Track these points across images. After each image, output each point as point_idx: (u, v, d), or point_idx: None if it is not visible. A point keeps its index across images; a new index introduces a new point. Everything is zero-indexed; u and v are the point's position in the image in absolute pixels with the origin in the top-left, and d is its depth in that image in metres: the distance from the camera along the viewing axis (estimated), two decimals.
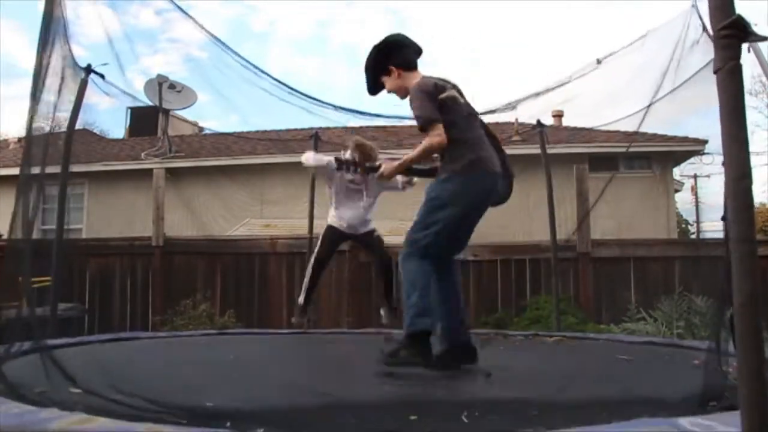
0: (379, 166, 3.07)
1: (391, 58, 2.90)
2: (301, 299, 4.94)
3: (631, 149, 9.40)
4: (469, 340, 2.83)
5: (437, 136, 2.67)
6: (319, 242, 4.79)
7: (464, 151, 2.71)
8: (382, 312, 4.97)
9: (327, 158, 4.35)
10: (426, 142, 2.70)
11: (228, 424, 2.00)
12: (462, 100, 2.81)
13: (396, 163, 2.92)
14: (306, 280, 4.82)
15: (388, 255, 4.63)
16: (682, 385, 2.42)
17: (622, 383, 2.85)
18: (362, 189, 4.46)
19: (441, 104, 2.70)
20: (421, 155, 2.77)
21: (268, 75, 4.79)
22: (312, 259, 4.84)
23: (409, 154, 2.84)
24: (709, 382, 2.20)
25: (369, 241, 4.73)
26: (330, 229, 4.66)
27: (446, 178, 2.72)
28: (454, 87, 2.85)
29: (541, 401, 2.33)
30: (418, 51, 2.99)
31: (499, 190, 2.88)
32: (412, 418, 2.18)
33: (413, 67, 2.92)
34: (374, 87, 3.00)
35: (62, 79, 3.95)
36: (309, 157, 4.60)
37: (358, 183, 4.43)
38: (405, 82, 2.88)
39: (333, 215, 4.66)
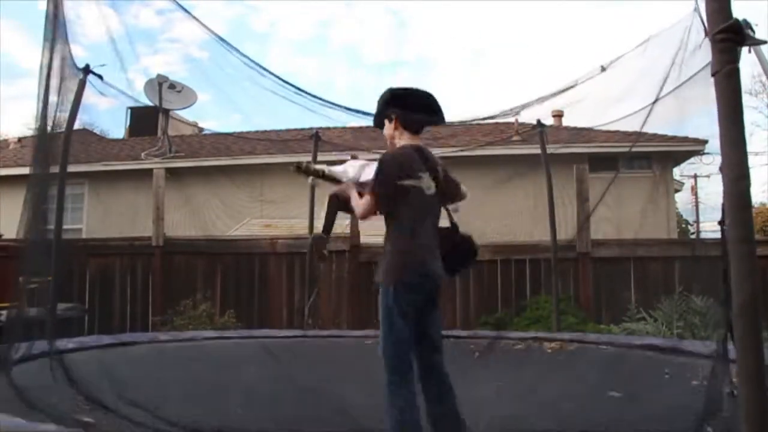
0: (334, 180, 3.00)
1: (396, 107, 2.75)
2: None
3: (632, 149, 9.39)
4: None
5: (370, 204, 2.60)
6: None
7: (409, 255, 2.56)
8: None
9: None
10: (363, 201, 2.64)
11: None
12: (424, 191, 2.60)
13: (349, 193, 2.79)
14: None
15: None
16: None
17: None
18: None
19: (401, 186, 2.55)
20: (356, 206, 2.71)
21: (271, 73, 4.80)
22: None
23: (354, 199, 2.73)
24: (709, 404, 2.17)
25: None
26: None
27: (387, 288, 2.54)
28: (434, 168, 2.68)
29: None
30: (431, 118, 2.81)
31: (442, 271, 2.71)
32: None
33: (414, 130, 2.73)
34: (377, 120, 2.86)
35: (62, 79, 3.96)
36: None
37: None
38: (396, 138, 2.74)
39: None
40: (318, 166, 3.17)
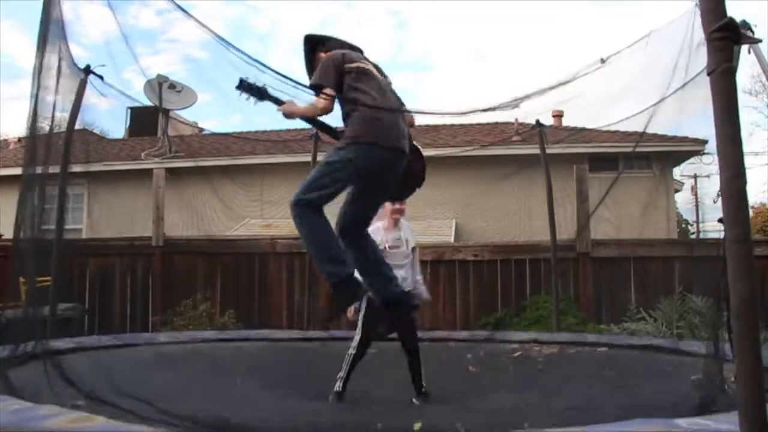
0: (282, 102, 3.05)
1: (321, 48, 3.04)
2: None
3: (635, 149, 9.39)
4: (403, 293, 2.88)
5: (323, 100, 2.74)
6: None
7: (363, 122, 2.72)
8: (414, 401, 3.76)
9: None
10: (313, 102, 2.78)
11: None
12: (374, 74, 2.84)
13: (295, 107, 2.89)
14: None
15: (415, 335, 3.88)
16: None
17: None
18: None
19: (348, 72, 2.75)
20: (306, 112, 2.84)
21: (272, 69, 4.78)
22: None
23: (301, 106, 2.85)
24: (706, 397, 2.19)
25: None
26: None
27: (342, 145, 2.74)
28: (370, 63, 2.91)
29: None
30: (349, 45, 3.09)
31: (408, 169, 2.91)
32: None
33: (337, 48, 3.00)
34: (309, 68, 3.10)
35: (62, 79, 3.96)
36: None
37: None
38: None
39: None
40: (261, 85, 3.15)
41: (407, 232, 4.05)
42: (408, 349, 3.74)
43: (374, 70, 2.86)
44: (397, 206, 3.88)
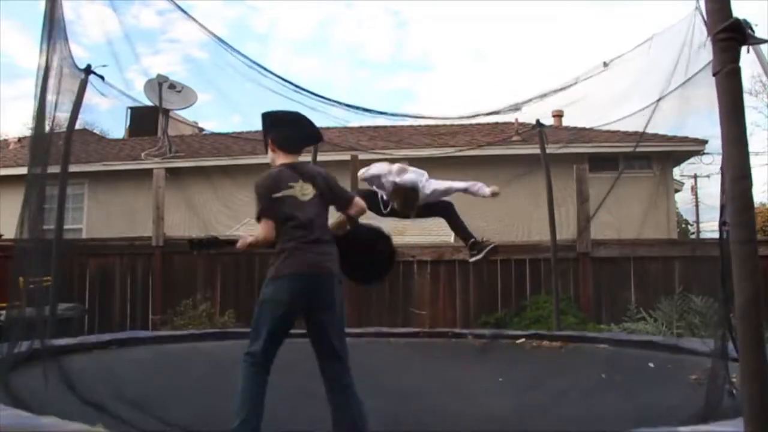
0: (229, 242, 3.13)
1: (270, 131, 3.01)
2: None
3: (636, 149, 9.39)
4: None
5: (262, 230, 2.85)
6: None
7: (284, 256, 2.80)
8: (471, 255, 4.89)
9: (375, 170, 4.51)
10: (259, 230, 2.88)
11: None
12: (298, 198, 2.85)
13: (247, 240, 2.96)
14: None
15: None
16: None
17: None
18: None
19: (274, 201, 2.83)
20: (254, 243, 2.92)
21: (271, 72, 4.80)
22: None
23: (250, 239, 2.95)
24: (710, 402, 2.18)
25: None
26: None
27: (267, 281, 2.82)
28: (306, 178, 2.90)
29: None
30: (303, 136, 3.10)
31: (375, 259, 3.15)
32: None
33: (288, 150, 2.98)
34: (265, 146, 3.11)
35: (62, 79, 3.95)
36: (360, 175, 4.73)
37: None
38: (273, 160, 2.99)
39: None
40: (209, 236, 3.26)
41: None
42: None
43: (299, 192, 2.87)
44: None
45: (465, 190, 4.64)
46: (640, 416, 2.25)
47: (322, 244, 2.84)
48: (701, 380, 2.80)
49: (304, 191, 2.86)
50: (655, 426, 1.86)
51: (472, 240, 4.74)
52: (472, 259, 4.81)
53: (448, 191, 4.64)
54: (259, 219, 2.86)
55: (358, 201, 3.07)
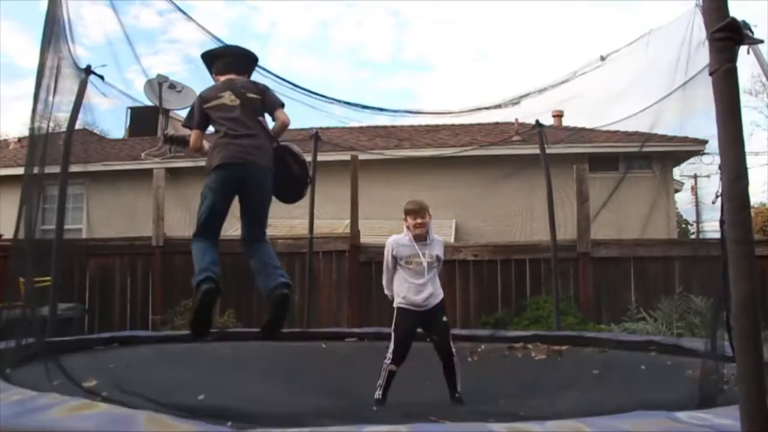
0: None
1: (212, 66, 3.71)
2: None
3: (632, 149, 9.41)
4: (283, 294, 3.26)
5: (193, 137, 3.57)
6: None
7: (211, 151, 3.42)
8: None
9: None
10: (192, 136, 3.60)
11: (228, 423, 2.01)
12: (227, 104, 3.42)
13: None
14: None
15: (448, 341, 3.76)
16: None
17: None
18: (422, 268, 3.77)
19: (208, 110, 3.46)
20: (191, 147, 3.67)
21: (271, 72, 4.81)
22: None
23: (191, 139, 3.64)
24: (704, 394, 2.20)
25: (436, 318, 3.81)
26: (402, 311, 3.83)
27: (207, 175, 3.42)
28: (234, 90, 3.47)
29: None
30: (237, 57, 3.73)
31: (286, 173, 3.59)
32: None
33: (223, 73, 3.63)
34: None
35: (62, 79, 3.96)
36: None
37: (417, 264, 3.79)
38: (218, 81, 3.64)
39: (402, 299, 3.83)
40: (180, 135, 3.93)
41: (434, 248, 3.82)
42: (440, 352, 3.66)
43: (228, 100, 3.43)
44: (417, 221, 3.73)
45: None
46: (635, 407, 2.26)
47: (248, 138, 3.36)
48: (697, 376, 2.81)
49: (232, 99, 3.43)
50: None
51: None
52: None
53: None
54: (190, 127, 3.53)
55: (282, 113, 3.59)
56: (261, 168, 3.35)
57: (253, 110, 3.47)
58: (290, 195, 3.85)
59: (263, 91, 3.59)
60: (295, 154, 3.77)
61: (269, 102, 3.57)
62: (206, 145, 3.65)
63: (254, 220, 3.41)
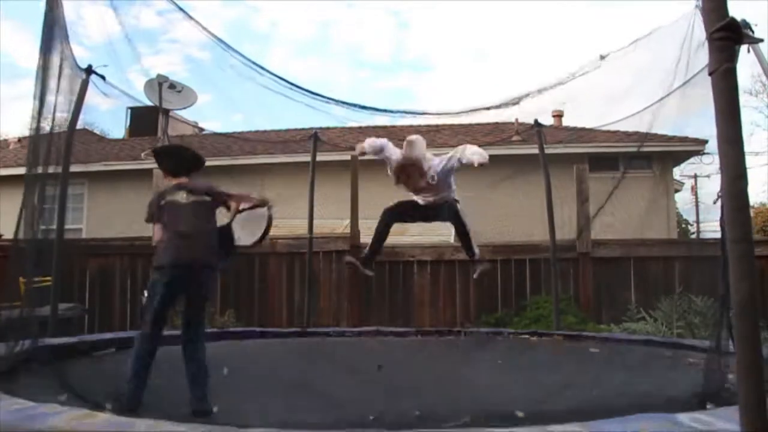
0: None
1: (161, 163, 3.84)
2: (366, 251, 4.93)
3: (632, 149, 9.40)
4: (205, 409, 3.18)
5: (156, 231, 3.71)
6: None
7: (159, 250, 3.52)
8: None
9: (380, 141, 4.57)
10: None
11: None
12: (178, 202, 3.58)
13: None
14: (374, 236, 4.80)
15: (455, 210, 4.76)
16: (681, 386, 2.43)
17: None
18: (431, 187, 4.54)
19: (160, 208, 3.59)
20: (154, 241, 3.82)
21: (270, 72, 4.82)
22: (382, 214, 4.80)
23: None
24: (707, 384, 2.21)
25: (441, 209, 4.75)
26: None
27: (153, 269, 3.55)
28: (190, 189, 3.64)
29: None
30: (188, 162, 3.84)
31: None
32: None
33: (174, 175, 3.73)
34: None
35: (63, 79, 3.96)
36: (365, 145, 4.68)
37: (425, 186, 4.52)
38: (169, 181, 3.75)
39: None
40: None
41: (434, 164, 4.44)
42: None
43: (180, 197, 3.59)
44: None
45: (459, 161, 4.58)
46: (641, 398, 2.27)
47: (193, 238, 3.48)
48: (696, 363, 2.82)
49: (183, 198, 3.59)
50: (656, 412, 1.86)
51: (473, 257, 4.85)
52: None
53: (451, 165, 4.53)
54: (150, 222, 3.72)
55: (231, 199, 3.83)
56: (203, 268, 3.54)
57: (204, 210, 3.66)
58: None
59: (209, 189, 3.77)
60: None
61: (218, 197, 3.76)
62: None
63: (190, 319, 3.53)
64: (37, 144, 3.73)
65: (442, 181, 4.43)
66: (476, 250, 4.82)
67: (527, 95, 5.79)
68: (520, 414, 2.37)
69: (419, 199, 4.62)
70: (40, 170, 4.01)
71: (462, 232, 4.79)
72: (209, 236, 3.59)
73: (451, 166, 4.40)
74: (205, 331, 3.64)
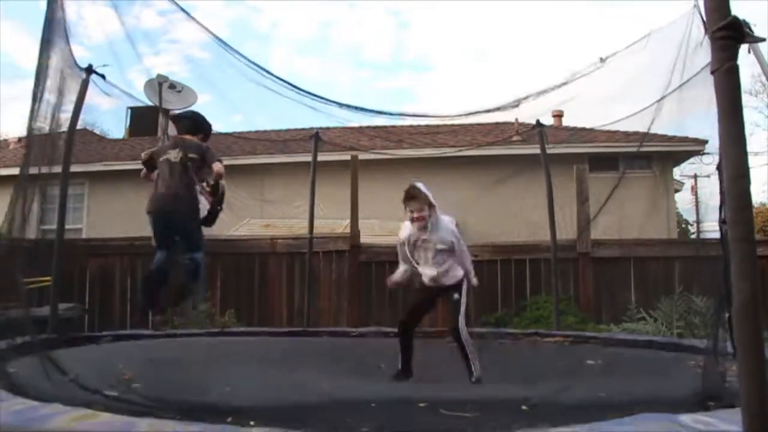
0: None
1: (179, 125, 5.01)
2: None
3: (632, 149, 9.40)
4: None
5: (144, 172, 4.85)
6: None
7: (150, 197, 4.55)
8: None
9: (401, 268, 4.12)
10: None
11: (228, 419, 2.01)
12: (167, 158, 4.53)
13: None
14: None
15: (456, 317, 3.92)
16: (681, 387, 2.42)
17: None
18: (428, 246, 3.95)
19: (159, 160, 4.57)
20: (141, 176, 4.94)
21: (271, 73, 4.83)
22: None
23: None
24: (707, 384, 2.21)
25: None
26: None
27: None
28: (179, 146, 4.60)
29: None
30: (202, 123, 4.94)
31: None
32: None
33: (181, 132, 4.83)
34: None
35: (63, 79, 3.96)
36: (396, 278, 4.19)
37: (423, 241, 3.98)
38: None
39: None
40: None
41: (438, 234, 3.95)
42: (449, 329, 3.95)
43: (172, 156, 4.52)
44: (414, 215, 3.90)
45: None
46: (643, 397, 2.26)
47: (172, 190, 4.42)
48: (700, 365, 2.82)
49: (175, 156, 4.50)
50: (658, 412, 1.86)
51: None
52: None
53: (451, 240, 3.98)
54: (144, 167, 4.76)
55: (216, 165, 4.60)
56: (173, 214, 4.49)
57: (193, 166, 4.51)
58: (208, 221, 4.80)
59: (205, 151, 4.64)
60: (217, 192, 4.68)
61: (208, 159, 4.61)
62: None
63: (185, 241, 4.62)
64: (34, 143, 3.72)
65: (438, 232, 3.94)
66: (476, 373, 3.74)
67: (527, 98, 5.81)
68: (524, 407, 2.37)
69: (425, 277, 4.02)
70: (38, 170, 4.00)
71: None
72: (189, 190, 4.45)
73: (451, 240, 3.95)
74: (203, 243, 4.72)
